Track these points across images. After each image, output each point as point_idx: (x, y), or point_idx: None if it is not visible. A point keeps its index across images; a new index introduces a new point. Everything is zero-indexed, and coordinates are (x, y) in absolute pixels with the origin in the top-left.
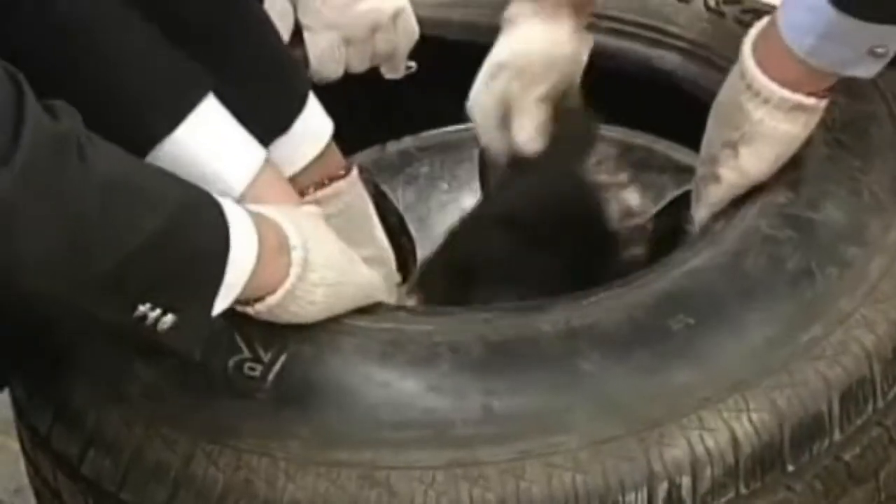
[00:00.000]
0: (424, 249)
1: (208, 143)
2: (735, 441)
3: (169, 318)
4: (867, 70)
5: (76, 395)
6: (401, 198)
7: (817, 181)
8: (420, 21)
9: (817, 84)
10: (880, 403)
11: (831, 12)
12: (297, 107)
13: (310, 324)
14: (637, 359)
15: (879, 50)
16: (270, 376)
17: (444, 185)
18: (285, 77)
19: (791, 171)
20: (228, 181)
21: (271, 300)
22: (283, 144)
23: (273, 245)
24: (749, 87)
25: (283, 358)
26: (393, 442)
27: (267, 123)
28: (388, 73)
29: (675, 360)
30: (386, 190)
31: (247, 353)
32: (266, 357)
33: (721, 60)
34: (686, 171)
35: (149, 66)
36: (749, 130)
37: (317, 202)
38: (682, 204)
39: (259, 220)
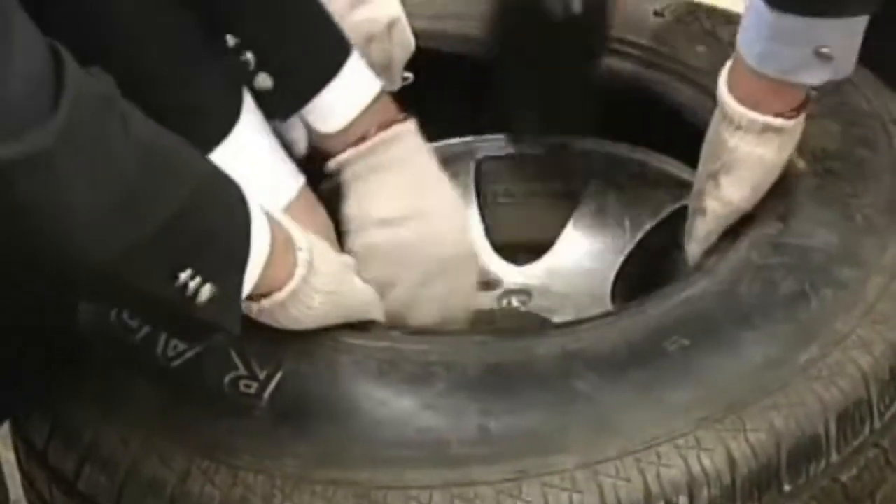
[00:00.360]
0: None
1: (242, 169)
2: (732, 461)
3: (207, 289)
4: (817, 75)
5: (73, 410)
6: None
7: (808, 210)
8: (415, 33)
9: (782, 101)
10: (877, 424)
11: (767, 12)
12: (348, 49)
13: (306, 341)
14: (633, 379)
15: (824, 50)
16: (266, 394)
17: None
18: (331, 22)
19: (780, 203)
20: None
21: (277, 297)
22: (341, 84)
23: (281, 240)
24: (725, 115)
25: (278, 375)
26: (389, 461)
27: (323, 63)
28: (385, 85)
29: (671, 379)
30: None
31: (242, 370)
32: (262, 374)
33: (713, 85)
34: (683, 186)
35: (188, 82)
36: (727, 159)
37: (374, 147)
38: (679, 218)
39: (268, 214)
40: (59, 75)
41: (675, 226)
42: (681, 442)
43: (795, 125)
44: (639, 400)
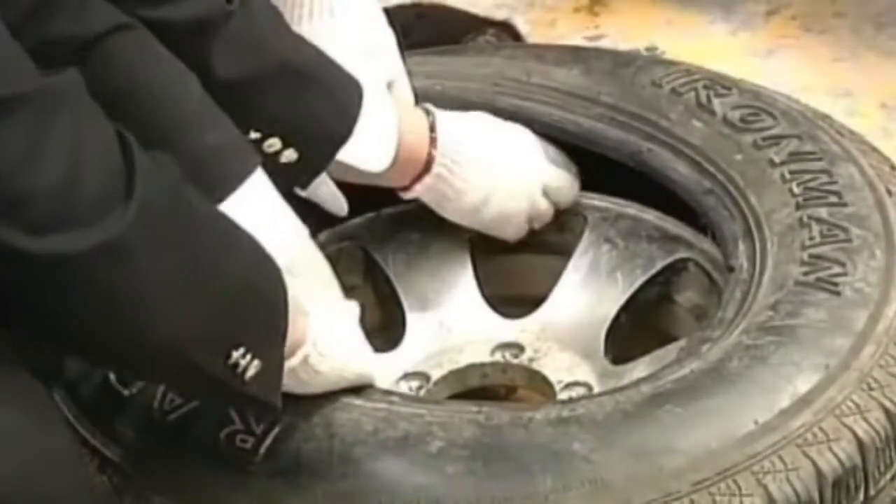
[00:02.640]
0: (414, 315)
1: (255, 218)
2: None
3: (255, 365)
4: None
5: None
6: (391, 264)
7: (795, 296)
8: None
9: None
10: (871, 491)
11: None
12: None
13: (303, 398)
14: (628, 442)
15: None
16: (262, 449)
17: (435, 253)
18: (337, 69)
19: (770, 294)
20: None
21: (291, 363)
22: (364, 128)
23: (296, 308)
24: None
25: (275, 431)
26: None
27: (342, 118)
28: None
29: (665, 444)
30: (377, 256)
31: (239, 425)
32: (258, 429)
33: (706, 162)
34: (675, 241)
35: (202, 135)
36: None
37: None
38: (671, 272)
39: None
40: (129, 162)
41: (667, 280)
42: None
43: None
44: (634, 463)
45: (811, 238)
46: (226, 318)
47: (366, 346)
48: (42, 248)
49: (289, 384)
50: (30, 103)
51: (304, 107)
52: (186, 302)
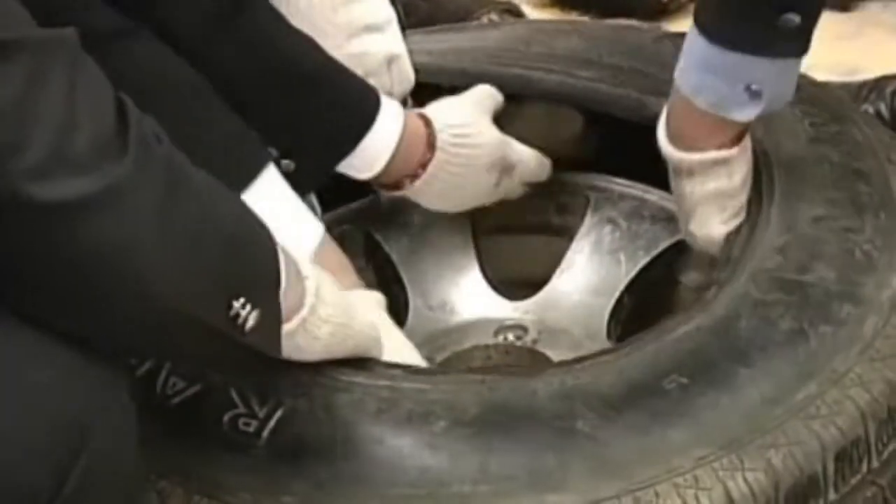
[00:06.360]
0: (417, 298)
1: (270, 213)
2: (730, 500)
3: (254, 315)
4: (747, 112)
5: None
6: (393, 247)
7: (807, 244)
8: (415, 67)
9: (721, 133)
10: (875, 463)
11: (703, 43)
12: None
13: (305, 379)
14: (631, 418)
15: (754, 87)
16: (265, 432)
17: (437, 235)
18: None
19: (780, 235)
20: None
21: (287, 327)
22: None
23: (293, 270)
24: (673, 168)
25: (278, 414)
26: (388, 500)
27: (341, 139)
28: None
29: (669, 419)
30: (379, 239)
31: (242, 409)
32: (261, 412)
33: None
34: (677, 221)
35: (212, 134)
36: (687, 206)
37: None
38: (675, 253)
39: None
40: (123, 115)
41: (670, 260)
42: (679, 481)
43: (741, 150)
44: (638, 439)
45: (823, 177)
46: (225, 268)
47: (365, 315)
48: (41, 195)
49: (286, 350)
50: (28, 49)
51: (306, 119)
52: (187, 251)
